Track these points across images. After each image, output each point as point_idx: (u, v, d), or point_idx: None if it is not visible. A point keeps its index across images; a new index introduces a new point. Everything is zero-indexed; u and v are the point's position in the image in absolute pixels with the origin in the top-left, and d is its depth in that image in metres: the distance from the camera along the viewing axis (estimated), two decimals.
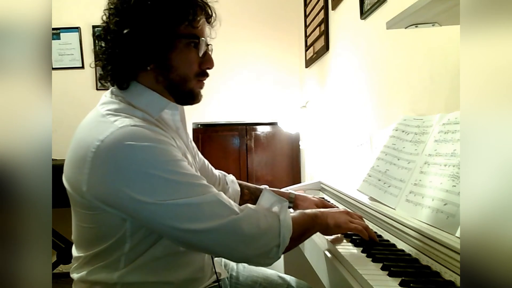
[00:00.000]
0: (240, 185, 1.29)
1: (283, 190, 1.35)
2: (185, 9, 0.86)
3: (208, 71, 0.94)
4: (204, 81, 0.95)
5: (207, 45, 0.93)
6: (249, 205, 0.86)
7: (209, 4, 0.92)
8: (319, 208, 1.20)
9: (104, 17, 0.89)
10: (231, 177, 1.29)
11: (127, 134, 0.78)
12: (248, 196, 1.27)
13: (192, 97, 0.93)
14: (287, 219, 0.85)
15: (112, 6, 0.87)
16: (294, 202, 1.27)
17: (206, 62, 0.92)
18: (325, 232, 0.97)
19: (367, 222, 1.10)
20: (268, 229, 0.83)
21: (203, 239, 0.80)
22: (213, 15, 0.93)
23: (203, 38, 0.90)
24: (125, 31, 0.84)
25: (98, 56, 0.91)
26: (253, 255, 0.82)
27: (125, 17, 0.85)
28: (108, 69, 0.89)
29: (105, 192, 0.79)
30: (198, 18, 0.88)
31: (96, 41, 0.91)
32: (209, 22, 0.93)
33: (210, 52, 0.94)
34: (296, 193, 1.30)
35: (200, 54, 0.90)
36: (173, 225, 0.78)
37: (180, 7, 0.86)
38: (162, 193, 0.77)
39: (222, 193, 0.84)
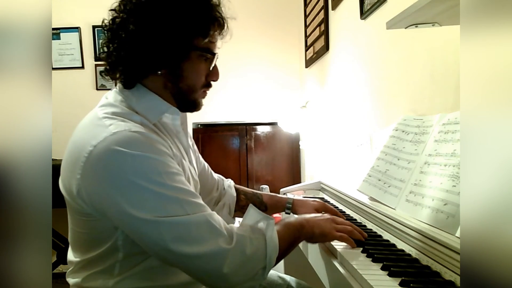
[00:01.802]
0: (237, 190, 1.26)
1: (281, 195, 1.31)
2: (206, 24, 0.87)
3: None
4: (207, 92, 0.96)
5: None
6: (235, 229, 0.81)
7: (226, 19, 0.92)
8: (320, 212, 1.16)
9: (118, 7, 0.86)
10: (228, 182, 1.27)
11: (120, 140, 0.76)
12: (245, 202, 1.23)
13: (194, 106, 0.95)
14: (273, 238, 0.81)
15: (131, 1, 0.85)
16: (292, 208, 1.23)
17: (213, 74, 0.93)
18: (310, 241, 0.94)
19: (366, 222, 1.11)
20: (254, 254, 0.79)
21: (187, 263, 0.76)
22: (227, 29, 0.93)
23: (216, 53, 0.91)
24: (145, 33, 0.83)
25: (110, 51, 0.88)
26: (238, 282, 0.78)
27: (147, 19, 0.84)
28: (118, 67, 0.88)
29: (94, 197, 0.78)
30: (216, 33, 0.90)
31: (108, 35, 0.88)
32: (220, 35, 0.93)
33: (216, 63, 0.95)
34: (294, 197, 1.26)
35: (211, 68, 0.92)
36: (157, 243, 0.75)
37: (201, 21, 0.86)
38: (149, 207, 0.75)
39: (214, 214, 0.80)
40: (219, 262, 0.75)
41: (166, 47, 0.84)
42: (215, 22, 0.88)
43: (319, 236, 0.91)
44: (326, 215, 0.99)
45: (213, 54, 0.90)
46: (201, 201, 0.81)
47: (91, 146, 0.77)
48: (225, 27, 0.92)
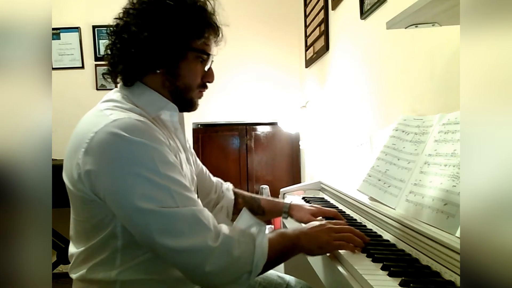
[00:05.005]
0: (235, 193, 1.28)
1: (278, 200, 1.32)
2: (201, 27, 0.93)
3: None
4: (203, 92, 1.00)
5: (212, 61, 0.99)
6: (224, 228, 0.82)
7: (220, 27, 0.98)
8: (316, 217, 1.16)
9: (121, 14, 0.92)
10: (227, 185, 1.30)
11: (120, 126, 0.80)
12: (243, 205, 1.23)
13: (191, 105, 0.99)
14: (263, 245, 0.82)
15: (133, 7, 0.91)
16: (289, 212, 1.23)
17: (208, 76, 0.98)
18: (310, 254, 0.92)
19: (366, 222, 1.11)
20: (240, 256, 0.79)
21: (171, 256, 0.77)
22: (221, 36, 0.99)
23: (211, 55, 0.97)
24: (145, 34, 0.88)
25: (113, 52, 0.93)
26: (221, 283, 0.79)
27: (147, 21, 0.89)
28: (118, 66, 0.92)
29: (92, 179, 0.81)
30: (211, 37, 0.96)
31: (111, 38, 0.93)
32: (215, 41, 0.99)
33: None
34: (291, 202, 1.26)
35: (206, 69, 0.97)
36: (144, 233, 0.78)
37: (198, 24, 0.92)
38: (139, 193, 0.77)
39: (204, 210, 0.81)
40: (202, 259, 0.76)
41: (165, 47, 0.89)
42: (209, 27, 0.94)
43: (317, 249, 0.90)
44: (324, 223, 0.95)
45: (208, 55, 0.95)
46: (194, 196, 0.83)
47: (92, 132, 0.81)
48: (219, 33, 0.98)
